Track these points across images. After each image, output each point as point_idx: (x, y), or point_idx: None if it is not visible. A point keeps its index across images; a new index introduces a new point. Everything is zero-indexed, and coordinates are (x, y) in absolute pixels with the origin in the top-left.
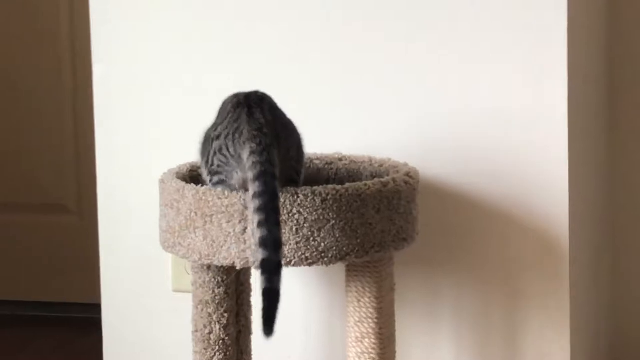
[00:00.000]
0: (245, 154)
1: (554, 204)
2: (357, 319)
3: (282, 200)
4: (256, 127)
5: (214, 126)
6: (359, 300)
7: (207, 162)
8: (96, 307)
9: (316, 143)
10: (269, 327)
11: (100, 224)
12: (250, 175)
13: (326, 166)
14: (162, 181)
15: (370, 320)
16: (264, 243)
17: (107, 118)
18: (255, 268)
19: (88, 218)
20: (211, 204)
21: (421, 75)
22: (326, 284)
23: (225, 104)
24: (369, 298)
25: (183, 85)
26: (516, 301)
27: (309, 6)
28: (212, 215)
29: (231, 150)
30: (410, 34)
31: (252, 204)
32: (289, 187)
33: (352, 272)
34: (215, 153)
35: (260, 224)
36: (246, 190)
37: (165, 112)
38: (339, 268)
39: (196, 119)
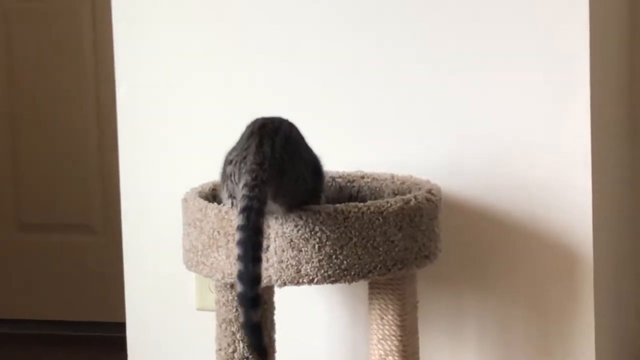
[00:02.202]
0: (241, 185)
1: (577, 221)
2: (380, 337)
3: (303, 218)
4: (259, 160)
5: (231, 150)
6: (382, 318)
7: (225, 185)
8: (121, 326)
9: (338, 161)
10: (262, 356)
11: (124, 243)
12: (238, 207)
13: (348, 184)
14: (184, 200)
15: (393, 338)
16: (240, 277)
17: (130, 138)
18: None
19: (113, 238)
20: (233, 222)
21: (444, 94)
22: (349, 302)
23: (246, 127)
24: (392, 316)
25: (205, 105)
26: (540, 319)
27: (334, 28)
28: (234, 234)
29: (236, 177)
30: (436, 57)
31: (236, 236)
32: (310, 206)
33: (375, 290)
34: (228, 177)
35: (238, 258)
36: None
37: (188, 132)
38: (362, 285)
39: (219, 139)
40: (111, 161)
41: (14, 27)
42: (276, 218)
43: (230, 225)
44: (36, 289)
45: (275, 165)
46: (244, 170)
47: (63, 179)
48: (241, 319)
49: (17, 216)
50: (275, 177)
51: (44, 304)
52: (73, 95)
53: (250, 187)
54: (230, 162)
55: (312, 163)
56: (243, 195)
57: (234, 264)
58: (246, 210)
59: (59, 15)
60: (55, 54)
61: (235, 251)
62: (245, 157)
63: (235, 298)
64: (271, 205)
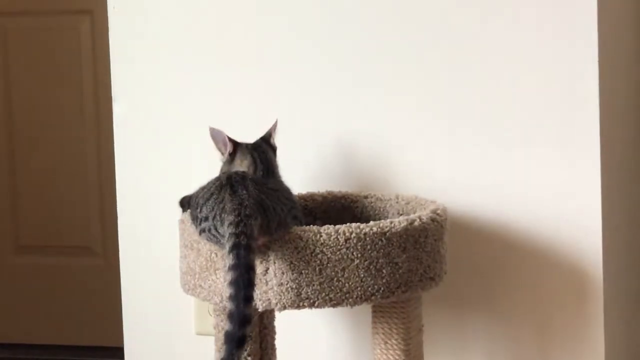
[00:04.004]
0: (225, 227)
1: (587, 243)
2: None
3: (303, 240)
4: (237, 202)
5: (197, 204)
6: (385, 342)
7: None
8: (120, 351)
9: (341, 180)
10: None
11: (122, 267)
12: (226, 247)
13: (351, 204)
14: (181, 221)
15: None
16: (230, 317)
17: (127, 158)
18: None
19: (112, 260)
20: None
21: (451, 113)
22: (352, 326)
23: (208, 184)
24: (396, 340)
25: (203, 126)
26: (549, 341)
27: (336, 47)
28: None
29: (220, 230)
30: (446, 79)
31: (227, 276)
32: (312, 226)
33: (379, 313)
34: (204, 231)
35: (230, 298)
36: None
37: (186, 152)
38: (365, 309)
39: (217, 159)
40: (110, 182)
41: (11, 45)
42: (276, 240)
43: None
44: (34, 312)
45: (255, 203)
46: (224, 217)
47: (62, 201)
48: (221, 356)
49: (15, 238)
50: (259, 212)
51: (42, 329)
52: (72, 115)
53: (235, 223)
54: (206, 218)
55: (285, 190)
56: (229, 234)
57: (226, 302)
58: (235, 248)
59: (57, 32)
60: (54, 72)
61: (227, 291)
62: (223, 207)
63: (223, 335)
64: (265, 238)
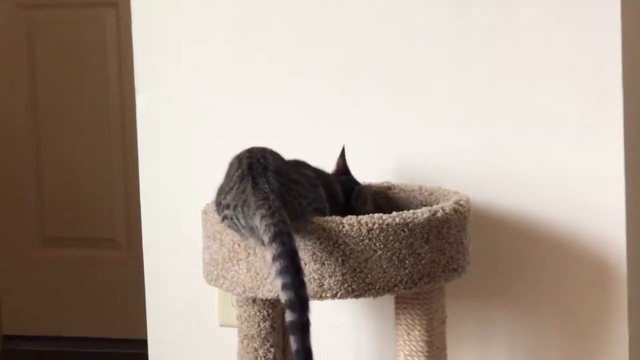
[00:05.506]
0: (257, 222)
1: (610, 233)
2: (407, 353)
3: (326, 231)
4: (262, 196)
5: (222, 191)
6: (408, 333)
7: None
8: (144, 343)
9: (365, 171)
10: None
11: (145, 259)
12: (266, 238)
13: (375, 195)
14: (204, 212)
15: (420, 354)
16: (291, 306)
17: (150, 150)
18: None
19: (137, 252)
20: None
21: (474, 106)
22: (375, 316)
23: (231, 167)
24: (419, 331)
25: (225, 118)
26: (572, 332)
27: (362, 37)
28: (255, 247)
29: (242, 222)
30: (469, 72)
31: (274, 267)
32: (335, 217)
33: (402, 304)
34: (226, 218)
35: (284, 287)
36: None
37: (209, 144)
38: (388, 300)
39: (239, 150)
40: (135, 175)
41: (37, 37)
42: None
43: None
44: (58, 304)
45: (278, 196)
46: (251, 212)
47: (87, 193)
48: (295, 346)
49: (40, 230)
50: (282, 206)
51: (66, 321)
52: (97, 107)
53: (270, 214)
54: (228, 206)
55: (306, 180)
56: (266, 225)
57: (280, 293)
58: (278, 236)
59: (82, 25)
60: (79, 64)
61: (278, 282)
62: (246, 200)
63: (287, 326)
64: None
